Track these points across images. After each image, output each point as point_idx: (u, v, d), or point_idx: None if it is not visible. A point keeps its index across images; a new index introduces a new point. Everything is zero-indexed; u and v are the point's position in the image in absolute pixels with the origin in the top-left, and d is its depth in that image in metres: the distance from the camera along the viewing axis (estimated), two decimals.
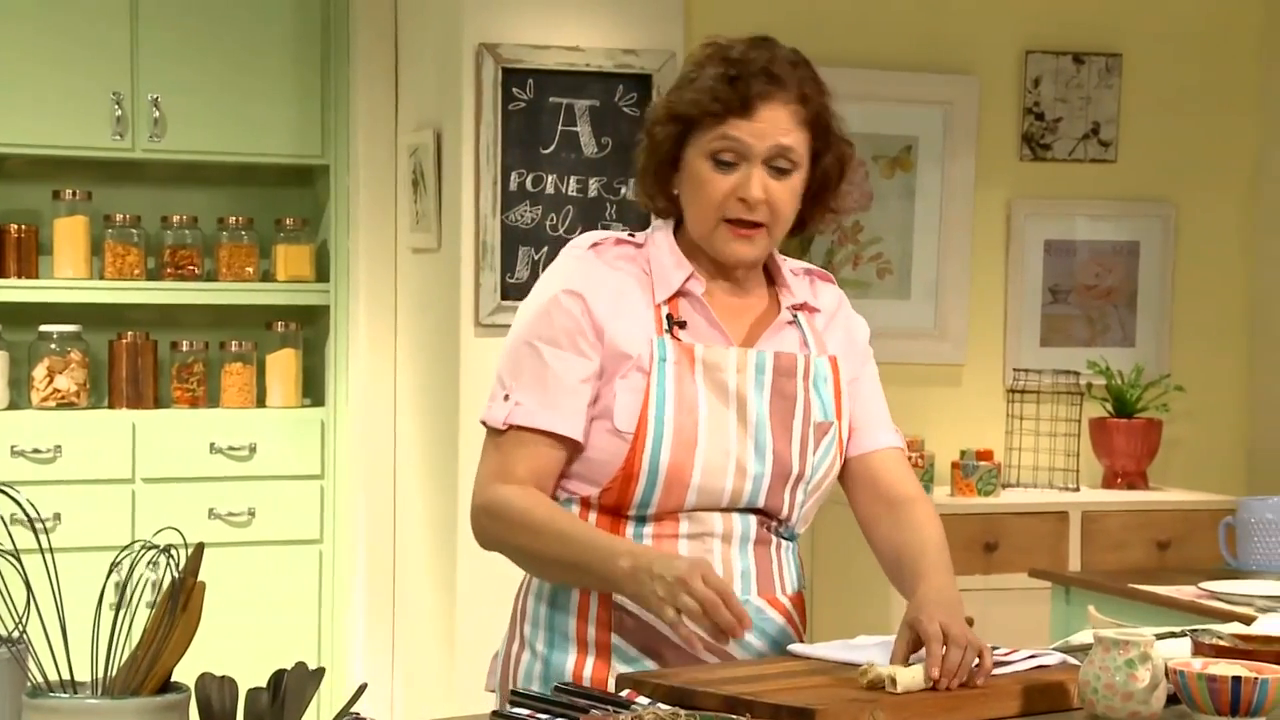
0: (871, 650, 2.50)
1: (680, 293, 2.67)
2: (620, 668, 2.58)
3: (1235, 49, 6.03)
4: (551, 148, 5.26)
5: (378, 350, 5.71)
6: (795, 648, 2.60)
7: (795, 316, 2.74)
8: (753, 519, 2.68)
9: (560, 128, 5.26)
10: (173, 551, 1.69)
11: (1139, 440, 5.66)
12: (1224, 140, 6.03)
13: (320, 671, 1.66)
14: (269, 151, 5.80)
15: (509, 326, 5.39)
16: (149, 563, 1.64)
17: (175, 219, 5.82)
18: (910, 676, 2.33)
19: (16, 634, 1.78)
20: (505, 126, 5.22)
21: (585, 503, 2.65)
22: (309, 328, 5.95)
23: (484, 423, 2.68)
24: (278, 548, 5.74)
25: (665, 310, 2.66)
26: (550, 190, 5.25)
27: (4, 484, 1.79)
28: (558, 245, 5.31)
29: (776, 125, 2.62)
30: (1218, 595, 4.38)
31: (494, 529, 2.64)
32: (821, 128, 2.68)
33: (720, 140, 2.61)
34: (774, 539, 2.71)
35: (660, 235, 2.72)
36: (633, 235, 2.74)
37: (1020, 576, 5.23)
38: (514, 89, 5.23)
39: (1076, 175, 5.92)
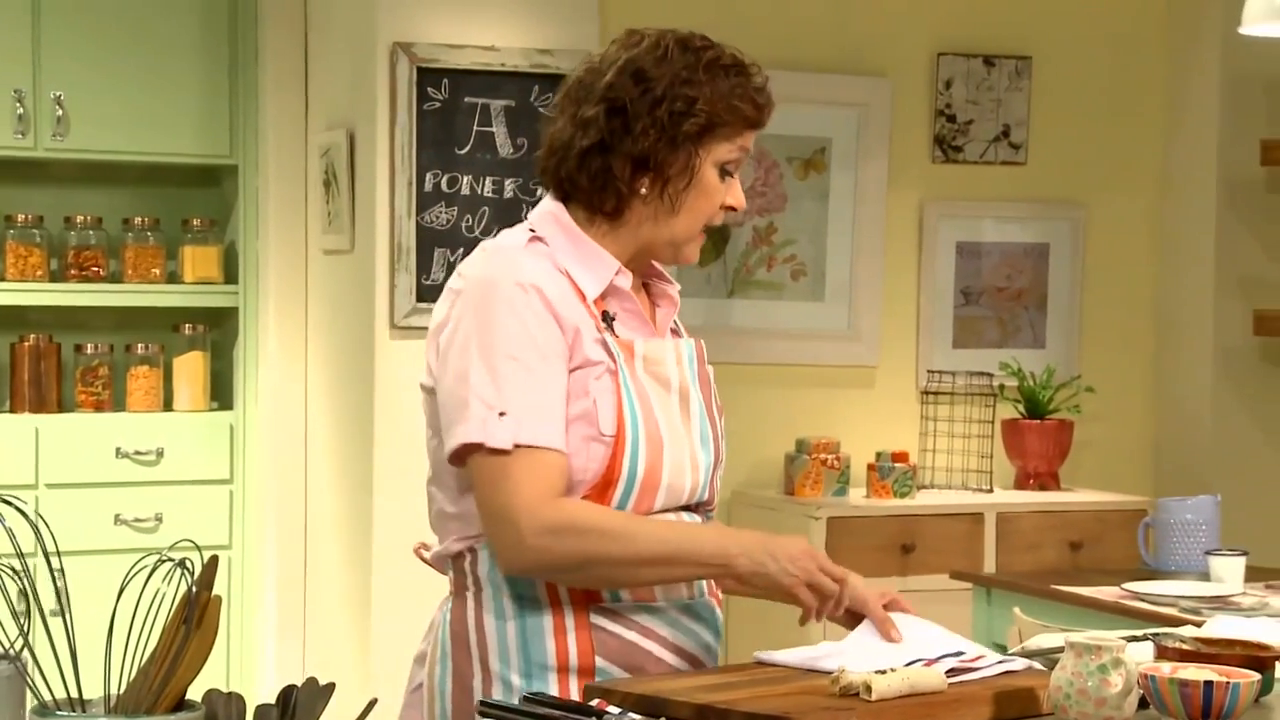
0: (843, 656, 2.47)
1: (605, 289, 2.59)
2: None
3: (1141, 52, 6.07)
4: (467, 148, 5.21)
5: (288, 353, 5.63)
6: (761, 655, 2.57)
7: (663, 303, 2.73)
8: (697, 518, 2.66)
9: (476, 128, 5.21)
10: (188, 564, 1.64)
11: (1051, 441, 5.69)
12: (1131, 143, 6.07)
13: (330, 687, 1.62)
14: (175, 151, 5.70)
15: (425, 329, 5.34)
16: (165, 577, 1.59)
17: (79, 219, 5.71)
18: (885, 683, 2.31)
19: (19, 647, 1.72)
20: (420, 126, 5.16)
21: None
22: (217, 330, 5.87)
23: (479, 444, 2.47)
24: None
25: (596, 308, 2.58)
26: (466, 191, 5.21)
27: (9, 496, 1.74)
28: (474, 247, 5.27)
29: None
30: (1140, 596, 4.40)
31: (576, 545, 2.46)
32: None
33: (739, 151, 2.58)
34: None
35: (557, 230, 2.59)
36: (534, 231, 2.60)
37: (938, 578, 5.23)
38: (429, 88, 5.17)
39: (987, 177, 5.94)
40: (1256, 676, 2.35)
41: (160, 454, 5.66)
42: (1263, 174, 5.84)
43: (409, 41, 5.14)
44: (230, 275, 5.79)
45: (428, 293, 5.14)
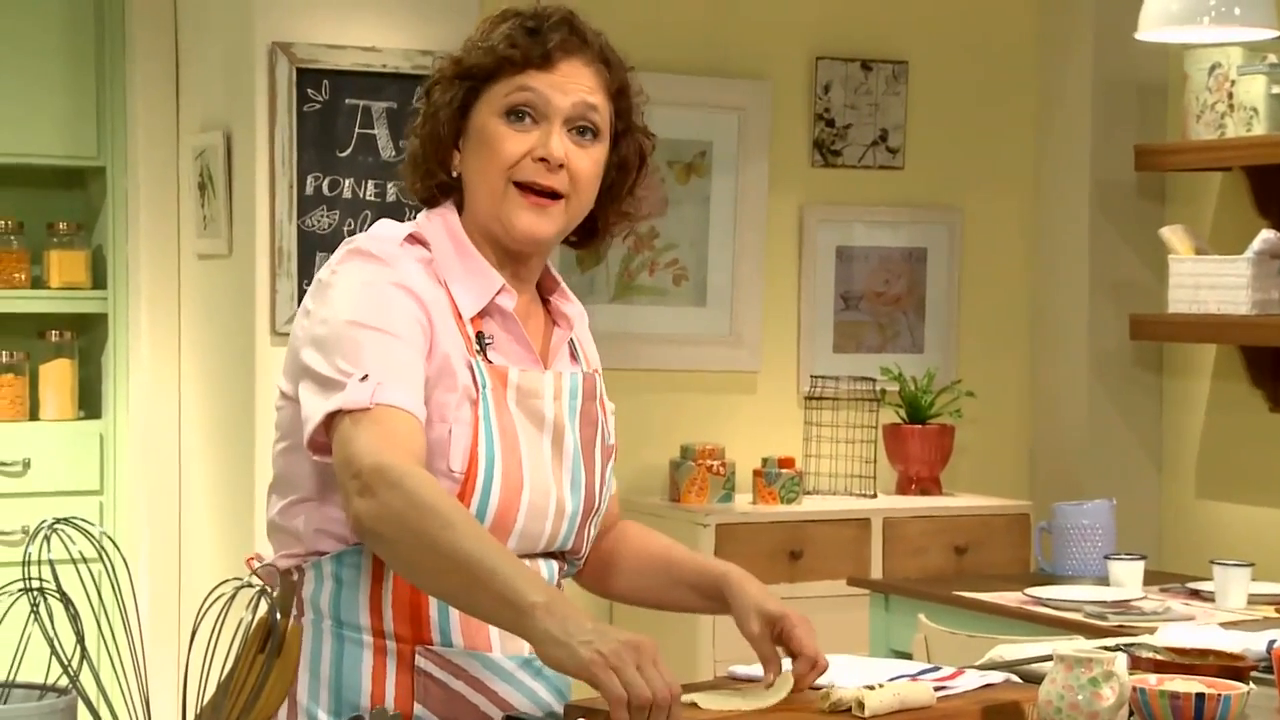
0: (828, 670, 2.42)
1: (486, 308, 2.38)
2: None
3: (1015, 57, 6.10)
4: (348, 150, 5.10)
5: (160, 360, 5.48)
6: (736, 669, 2.51)
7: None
8: (555, 566, 2.44)
9: (357, 130, 5.11)
10: (268, 590, 1.54)
11: (932, 446, 5.69)
12: (1006, 147, 6.10)
13: (398, 717, 1.53)
14: (40, 152, 5.51)
15: None
16: (249, 604, 1.49)
17: None
18: (876, 699, 2.27)
19: (75, 672, 1.62)
20: (300, 128, 5.04)
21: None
22: (84, 337, 5.68)
23: (337, 411, 2.23)
24: (56, 567, 5.46)
25: (472, 328, 2.36)
26: (348, 194, 5.10)
27: (76, 518, 1.64)
28: None
29: (579, 81, 2.37)
30: (1043, 602, 4.41)
31: (397, 501, 2.14)
32: (624, 104, 2.43)
33: (517, 92, 2.34)
34: (561, 586, 2.47)
35: (443, 235, 2.38)
36: (416, 231, 2.39)
37: (829, 584, 5.22)
38: (309, 90, 5.06)
39: (866, 182, 5.93)
40: (1244, 688, 2.33)
41: (27, 465, 5.48)
42: (1135, 178, 5.89)
43: (288, 41, 5.03)
44: (98, 280, 5.61)
45: None
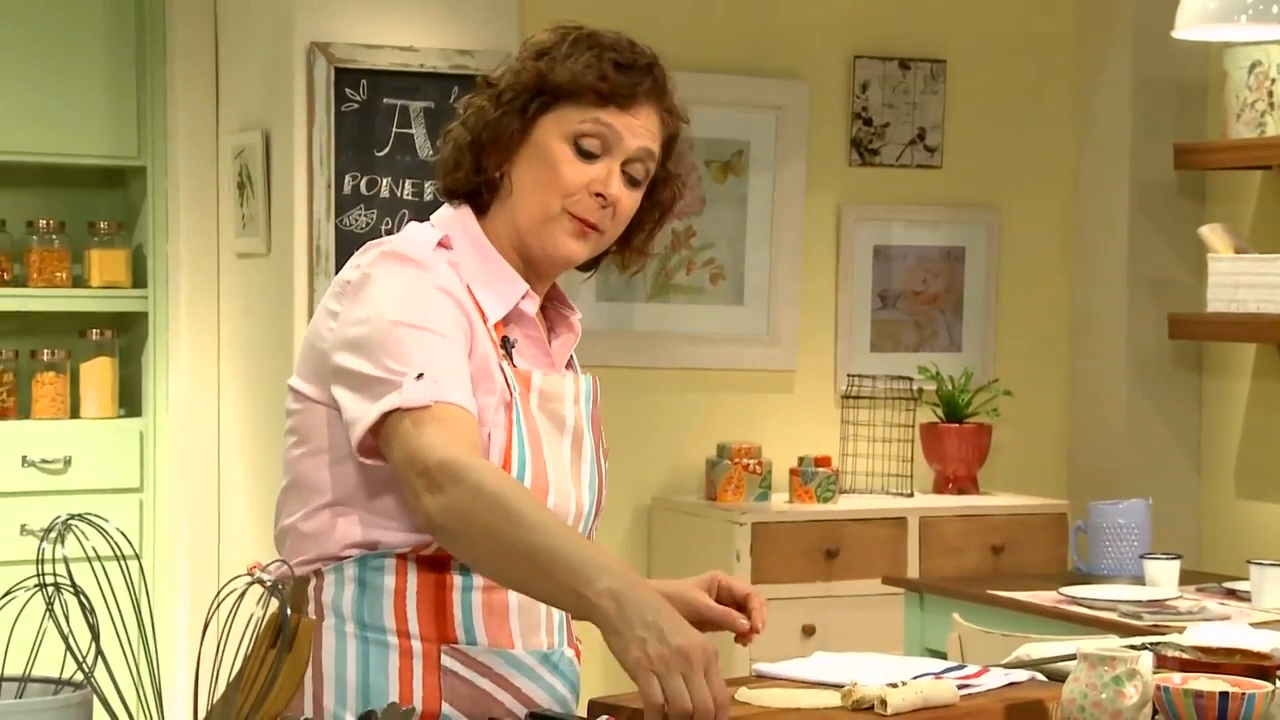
0: (852, 668, 2.43)
1: (508, 314, 2.41)
2: None
3: (1054, 55, 6.09)
4: (386, 150, 5.12)
5: (200, 358, 5.51)
6: (760, 667, 2.52)
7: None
8: None
9: (395, 129, 5.13)
10: (280, 585, 1.55)
11: (970, 445, 5.68)
12: (1045, 146, 6.09)
13: (410, 712, 1.54)
14: (81, 152, 5.55)
15: None
16: (259, 600, 1.51)
17: None
18: (899, 697, 2.27)
19: (89, 668, 1.64)
20: (338, 128, 5.07)
21: (404, 558, 2.33)
22: (125, 335, 5.72)
23: (395, 410, 2.22)
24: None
25: (496, 333, 2.39)
26: (385, 194, 5.12)
27: (90, 514, 1.65)
28: None
29: (649, 126, 2.42)
30: (1078, 601, 4.40)
31: (463, 495, 2.15)
32: (669, 151, 2.47)
33: (592, 124, 2.37)
34: None
35: (464, 238, 2.40)
36: (442, 236, 2.40)
37: (865, 583, 5.22)
38: (347, 89, 5.09)
39: (904, 181, 5.93)
40: (1270, 687, 2.33)
41: (68, 462, 5.52)
42: (1175, 177, 5.88)
43: (326, 41, 5.05)
44: (139, 279, 5.65)
45: None
